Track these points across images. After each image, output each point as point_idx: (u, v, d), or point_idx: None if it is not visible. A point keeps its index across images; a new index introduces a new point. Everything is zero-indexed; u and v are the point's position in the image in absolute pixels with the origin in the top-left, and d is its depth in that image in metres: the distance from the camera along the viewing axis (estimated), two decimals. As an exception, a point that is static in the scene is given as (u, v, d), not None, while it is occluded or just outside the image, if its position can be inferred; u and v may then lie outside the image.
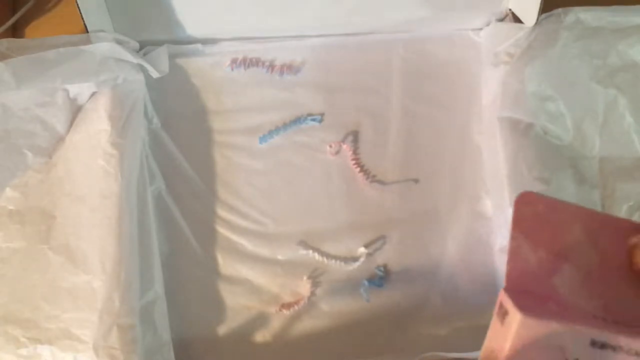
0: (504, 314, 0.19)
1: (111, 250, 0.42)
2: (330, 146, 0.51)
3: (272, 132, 0.51)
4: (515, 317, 0.17)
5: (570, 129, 0.46)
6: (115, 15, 0.49)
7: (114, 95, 0.47)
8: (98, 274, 0.42)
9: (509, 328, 0.18)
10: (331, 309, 0.48)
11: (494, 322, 0.21)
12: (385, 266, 0.49)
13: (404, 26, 0.53)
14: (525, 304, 0.17)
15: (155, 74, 0.50)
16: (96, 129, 0.46)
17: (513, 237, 0.18)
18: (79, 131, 0.46)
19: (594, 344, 0.15)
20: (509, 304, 0.18)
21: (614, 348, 0.14)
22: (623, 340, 0.14)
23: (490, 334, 0.21)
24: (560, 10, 0.48)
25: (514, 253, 0.18)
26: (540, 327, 0.17)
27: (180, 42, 0.52)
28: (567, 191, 0.45)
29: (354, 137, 0.52)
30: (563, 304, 0.17)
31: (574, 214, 0.17)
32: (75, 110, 0.47)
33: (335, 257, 0.49)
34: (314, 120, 0.52)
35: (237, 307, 0.48)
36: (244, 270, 0.48)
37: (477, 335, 0.46)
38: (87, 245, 0.43)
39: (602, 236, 0.17)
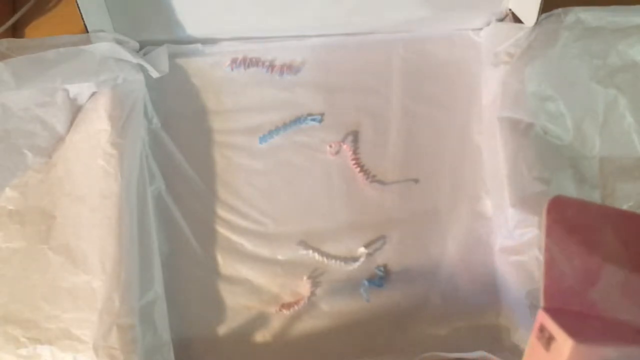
0: (548, 338, 0.18)
1: (111, 250, 0.42)
2: (330, 146, 0.51)
3: (272, 132, 0.51)
4: (566, 343, 0.16)
5: (570, 129, 0.46)
6: (115, 15, 0.49)
7: (113, 95, 0.47)
8: (98, 274, 0.42)
9: (559, 355, 0.17)
10: (331, 309, 0.48)
11: (535, 347, 0.19)
12: (385, 266, 0.49)
13: (404, 26, 0.53)
14: (570, 326, 0.17)
15: (155, 74, 0.50)
16: (96, 129, 0.45)
17: (547, 249, 0.17)
18: (79, 131, 0.46)
19: None
20: (554, 328, 0.17)
21: None
22: None
23: (530, 359, 0.19)
24: (560, 10, 0.48)
25: (549, 267, 0.17)
26: (592, 352, 0.16)
27: (180, 42, 0.52)
28: (567, 191, 0.45)
29: (354, 137, 0.52)
30: (604, 320, 0.16)
31: (603, 215, 0.17)
32: (75, 110, 0.47)
33: (335, 257, 0.49)
34: (314, 120, 0.52)
35: (237, 307, 0.48)
36: (244, 270, 0.48)
37: (477, 335, 0.47)
38: (87, 245, 0.43)
39: (632, 237, 0.16)
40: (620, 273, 0.16)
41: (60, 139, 0.46)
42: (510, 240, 0.45)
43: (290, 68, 0.53)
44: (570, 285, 0.17)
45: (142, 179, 0.47)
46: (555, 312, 0.17)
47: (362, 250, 0.49)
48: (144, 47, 0.51)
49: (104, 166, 0.44)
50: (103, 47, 0.47)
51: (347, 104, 0.52)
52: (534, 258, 0.43)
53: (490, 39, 0.52)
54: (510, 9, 0.51)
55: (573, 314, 0.17)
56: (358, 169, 0.50)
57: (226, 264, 0.49)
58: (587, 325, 0.17)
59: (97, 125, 0.46)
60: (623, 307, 0.16)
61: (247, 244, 0.49)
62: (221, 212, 0.50)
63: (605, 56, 0.48)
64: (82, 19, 0.46)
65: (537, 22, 0.48)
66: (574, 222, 0.16)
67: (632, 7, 0.49)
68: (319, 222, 0.49)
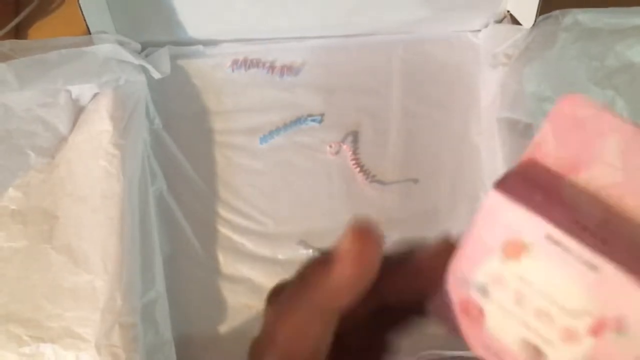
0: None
1: (113, 250, 0.42)
2: (330, 146, 0.52)
3: (272, 133, 0.52)
4: (490, 192, 0.16)
5: (568, 129, 0.47)
6: (117, 16, 0.49)
7: (115, 96, 0.47)
8: (100, 274, 0.42)
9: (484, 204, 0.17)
10: (331, 308, 0.48)
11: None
12: (385, 266, 0.49)
13: (404, 27, 0.54)
14: (514, 186, 0.17)
15: (156, 75, 0.50)
16: (98, 129, 0.46)
17: (541, 131, 0.17)
18: (81, 132, 0.46)
19: (548, 237, 0.15)
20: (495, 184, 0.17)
21: (567, 250, 0.14)
22: (575, 246, 0.14)
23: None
24: (558, 11, 0.49)
25: (535, 143, 0.17)
26: (505, 207, 0.16)
27: (182, 44, 0.53)
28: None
29: (354, 137, 0.52)
30: (553, 202, 0.16)
31: (614, 125, 0.16)
32: (77, 111, 0.47)
33: (336, 257, 0.49)
34: (314, 120, 0.52)
35: (238, 306, 0.48)
36: (244, 270, 0.49)
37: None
38: (89, 245, 0.43)
39: (633, 152, 0.16)
40: (602, 180, 0.16)
41: (62, 140, 0.47)
42: (509, 239, 0.46)
43: (290, 69, 0.53)
44: (547, 167, 0.17)
45: (144, 180, 0.48)
46: (514, 176, 0.18)
47: (362, 249, 0.49)
48: (145, 49, 0.52)
49: (106, 167, 0.45)
50: (105, 48, 0.47)
51: (347, 105, 0.53)
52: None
53: (488, 41, 0.52)
54: (508, 11, 0.52)
55: (533, 186, 0.17)
56: (358, 169, 0.51)
57: (227, 264, 0.49)
58: (529, 194, 0.17)
59: (99, 126, 0.46)
60: (583, 208, 0.16)
61: (248, 244, 0.49)
62: (222, 212, 0.50)
63: (603, 57, 0.48)
64: (85, 20, 0.46)
65: (535, 24, 0.48)
66: (580, 122, 0.16)
67: (630, 8, 0.49)
68: (319, 222, 0.50)
